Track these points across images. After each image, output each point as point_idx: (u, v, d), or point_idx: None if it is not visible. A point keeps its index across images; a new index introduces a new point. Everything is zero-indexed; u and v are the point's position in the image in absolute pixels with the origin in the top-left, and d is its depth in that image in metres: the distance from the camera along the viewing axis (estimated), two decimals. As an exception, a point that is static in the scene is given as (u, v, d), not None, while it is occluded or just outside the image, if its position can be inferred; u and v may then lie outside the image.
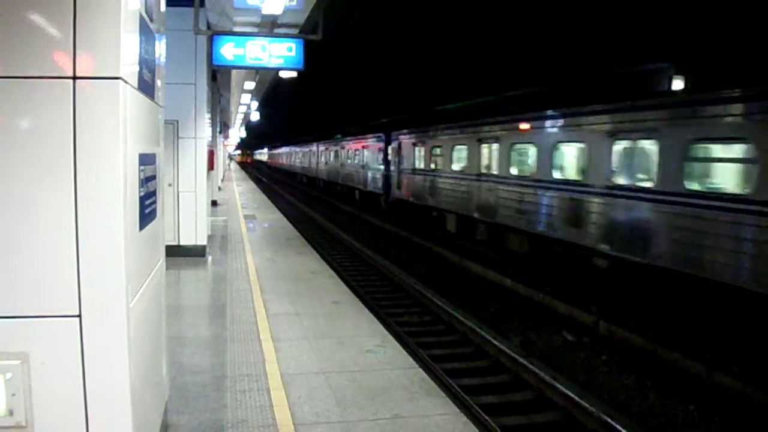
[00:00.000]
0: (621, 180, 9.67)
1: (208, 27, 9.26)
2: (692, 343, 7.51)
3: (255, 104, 27.25)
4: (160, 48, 3.47)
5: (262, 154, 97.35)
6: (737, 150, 7.76)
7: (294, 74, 10.28)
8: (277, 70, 9.71)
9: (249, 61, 8.24)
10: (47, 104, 2.44)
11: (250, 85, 16.65)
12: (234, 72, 13.98)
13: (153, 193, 3.23)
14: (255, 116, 34.07)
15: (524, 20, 17.64)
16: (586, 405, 5.83)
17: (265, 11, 7.76)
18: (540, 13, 16.97)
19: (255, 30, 9.15)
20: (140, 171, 2.86)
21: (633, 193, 9.32)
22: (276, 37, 8.33)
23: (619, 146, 9.70)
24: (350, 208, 25.12)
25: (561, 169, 11.51)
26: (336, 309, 7.16)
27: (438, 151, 17.36)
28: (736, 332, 7.60)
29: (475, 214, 14.72)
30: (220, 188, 24.87)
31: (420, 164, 18.83)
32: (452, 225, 16.48)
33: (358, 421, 4.17)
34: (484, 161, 14.51)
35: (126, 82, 2.55)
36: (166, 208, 5.00)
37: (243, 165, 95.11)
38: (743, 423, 5.98)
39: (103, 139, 2.48)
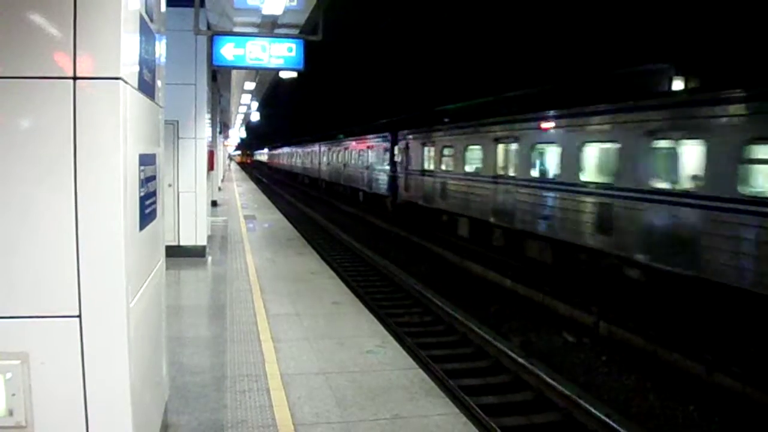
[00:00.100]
0: (662, 184, 8.80)
1: (209, 27, 9.26)
2: (692, 343, 7.51)
3: (255, 104, 27.24)
4: (161, 48, 3.47)
5: (263, 155, 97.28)
6: None
7: (294, 75, 10.28)
8: (278, 70, 9.70)
9: (249, 62, 8.24)
10: (47, 104, 2.44)
11: (250, 85, 16.65)
12: (234, 72, 13.98)
13: (153, 194, 3.23)
14: (255, 116, 34.04)
15: (535, 15, 17.44)
16: (586, 405, 5.83)
17: (266, 11, 7.77)
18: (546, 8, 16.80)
19: (255, 30, 9.15)
20: (140, 171, 2.86)
21: (677, 198, 8.44)
22: (276, 37, 8.33)
23: (660, 146, 8.87)
24: (350, 209, 25.12)
25: (590, 170, 10.62)
26: (336, 309, 7.16)
27: (450, 151, 16.55)
28: (736, 332, 7.60)
29: (491, 219, 13.89)
30: (220, 188, 24.87)
31: (430, 165, 17.97)
32: (465, 229, 15.75)
33: (358, 421, 4.17)
34: (501, 162, 13.68)
35: (126, 82, 2.55)
36: (166, 208, 5.00)
37: (243, 165, 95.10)
38: (743, 423, 5.98)
39: (104, 139, 2.48)
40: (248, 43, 8.15)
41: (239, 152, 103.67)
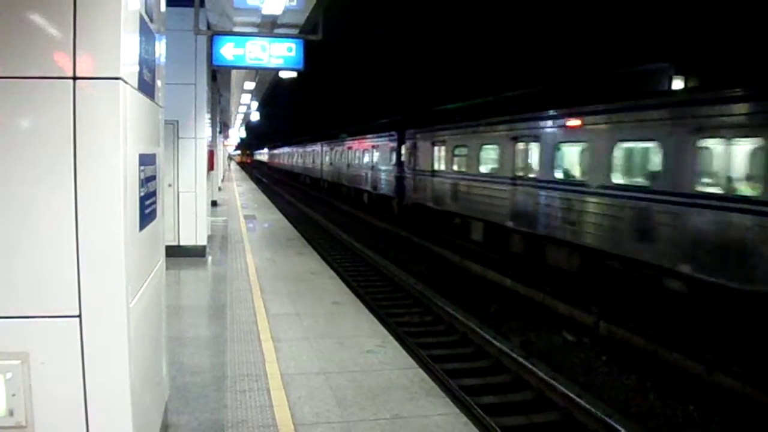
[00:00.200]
0: (713, 188, 7.91)
1: (208, 27, 9.26)
2: (692, 343, 7.51)
3: (255, 104, 27.24)
4: (160, 48, 3.47)
5: (263, 155, 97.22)
6: None
7: (294, 74, 10.28)
8: (277, 70, 9.70)
9: (249, 62, 8.24)
10: (47, 104, 2.44)
11: (250, 85, 16.65)
12: (234, 72, 13.98)
13: (153, 194, 3.23)
14: (255, 116, 34.03)
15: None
16: (587, 405, 5.83)
17: (265, 11, 7.77)
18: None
19: (255, 30, 9.15)
20: (140, 171, 2.86)
21: (733, 203, 7.55)
22: (276, 37, 8.33)
23: (710, 145, 7.97)
24: (350, 208, 25.12)
25: (624, 172, 9.75)
26: (336, 309, 7.16)
27: (463, 150, 15.59)
28: (736, 332, 7.60)
29: (509, 223, 12.94)
30: (220, 188, 24.88)
31: (440, 165, 17.02)
32: (478, 233, 14.80)
33: (358, 421, 4.17)
34: (521, 162, 12.72)
35: (126, 82, 2.55)
36: (166, 208, 5.00)
37: (243, 165, 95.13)
38: (743, 423, 5.98)
39: (104, 139, 2.48)
40: (248, 43, 8.15)
41: (239, 152, 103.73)
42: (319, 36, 8.26)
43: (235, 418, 4.15)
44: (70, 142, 2.45)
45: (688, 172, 8.22)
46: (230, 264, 9.80)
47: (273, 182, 48.65)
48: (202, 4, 8.22)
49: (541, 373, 6.61)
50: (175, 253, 9.26)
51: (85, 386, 2.52)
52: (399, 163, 20.65)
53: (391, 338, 6.13)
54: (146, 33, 2.98)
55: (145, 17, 2.96)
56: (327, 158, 34.19)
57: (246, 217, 17.18)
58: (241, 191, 28.99)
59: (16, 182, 2.43)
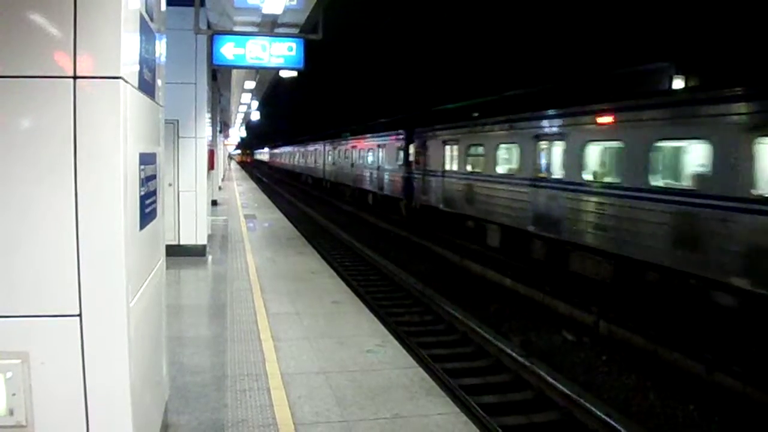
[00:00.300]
0: None
1: (209, 26, 9.26)
2: (692, 343, 7.51)
3: (255, 104, 27.23)
4: (161, 47, 3.47)
5: (263, 154, 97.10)
6: None
7: (294, 74, 10.28)
8: (278, 69, 9.71)
9: (249, 61, 8.24)
10: (48, 104, 2.44)
11: (250, 84, 16.65)
12: (234, 71, 13.98)
13: (153, 193, 3.23)
14: (255, 116, 34.01)
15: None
16: (587, 405, 5.83)
17: (266, 11, 7.76)
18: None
19: (255, 29, 9.15)
20: (141, 170, 2.86)
21: None
22: (276, 36, 8.34)
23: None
24: (350, 208, 25.11)
25: (665, 173, 8.99)
26: (336, 309, 7.16)
27: (478, 150, 14.68)
28: (736, 332, 7.60)
29: (530, 228, 12.13)
30: (220, 188, 24.88)
31: (453, 165, 16.14)
32: (495, 238, 13.91)
33: (358, 420, 4.17)
34: (544, 163, 11.87)
35: (126, 81, 2.55)
36: (166, 207, 5.00)
37: (243, 165, 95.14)
38: (743, 423, 5.98)
39: (104, 138, 2.48)
40: (248, 43, 8.15)
41: (239, 151, 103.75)
42: (320, 35, 8.27)
43: (235, 418, 4.15)
44: (71, 141, 2.45)
45: (748, 175, 7.35)
46: (230, 263, 9.80)
47: (273, 182, 48.64)
48: (202, 3, 8.22)
49: (541, 373, 6.61)
50: (175, 252, 9.27)
51: (85, 386, 2.52)
52: (407, 163, 19.79)
53: (391, 338, 6.13)
54: (146, 32, 2.98)
55: (146, 16, 2.96)
56: (330, 158, 33.48)
57: (246, 216, 17.18)
58: (241, 190, 29.00)
59: (17, 182, 2.43)
